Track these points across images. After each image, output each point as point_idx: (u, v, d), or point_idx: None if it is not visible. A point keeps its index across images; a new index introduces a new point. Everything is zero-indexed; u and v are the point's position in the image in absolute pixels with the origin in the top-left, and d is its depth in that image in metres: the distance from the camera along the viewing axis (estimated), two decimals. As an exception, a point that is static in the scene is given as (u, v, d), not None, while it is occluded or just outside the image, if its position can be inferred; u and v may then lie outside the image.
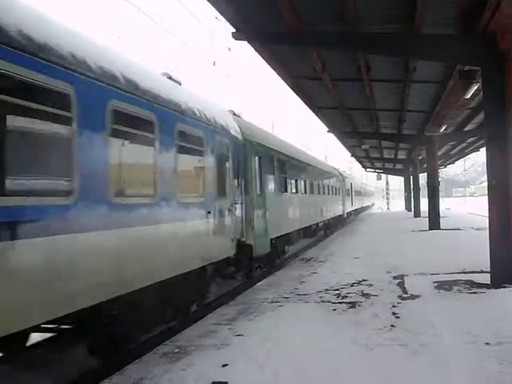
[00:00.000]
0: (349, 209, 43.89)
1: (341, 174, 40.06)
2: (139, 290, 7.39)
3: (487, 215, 11.13)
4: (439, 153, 32.00)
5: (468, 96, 16.01)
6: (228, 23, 12.63)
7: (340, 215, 36.56)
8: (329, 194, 30.92)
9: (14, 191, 5.22)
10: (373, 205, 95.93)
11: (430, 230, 26.71)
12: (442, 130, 24.76)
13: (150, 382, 5.96)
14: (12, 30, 5.30)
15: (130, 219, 7.38)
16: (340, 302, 9.79)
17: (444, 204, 48.33)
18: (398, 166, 56.51)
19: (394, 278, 12.37)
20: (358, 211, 58.03)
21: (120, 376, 6.26)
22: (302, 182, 21.80)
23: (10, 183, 5.15)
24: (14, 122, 5.39)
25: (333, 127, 29.96)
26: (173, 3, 15.39)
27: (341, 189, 37.61)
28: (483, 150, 32.37)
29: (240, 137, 12.90)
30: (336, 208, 34.32)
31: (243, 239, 12.66)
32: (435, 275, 12.37)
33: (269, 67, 16.22)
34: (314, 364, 6.22)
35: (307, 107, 23.69)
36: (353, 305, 9.50)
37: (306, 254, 19.30)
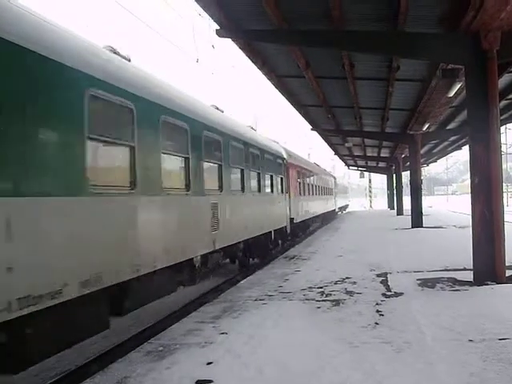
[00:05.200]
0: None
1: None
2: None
3: (469, 213, 11.20)
4: (422, 151, 32.20)
5: (451, 94, 16.11)
6: (212, 20, 12.56)
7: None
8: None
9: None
10: (345, 207, 70.74)
11: (412, 228, 26.87)
12: (424, 129, 24.90)
13: (134, 381, 5.89)
14: None
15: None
16: (324, 300, 9.80)
17: (426, 202, 48.58)
18: (381, 164, 56.76)
19: (378, 275, 12.41)
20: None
21: (103, 375, 6.18)
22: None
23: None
24: None
25: (316, 125, 30.04)
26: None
27: None
28: (466, 149, 32.61)
29: None
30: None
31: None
32: (418, 273, 12.45)
33: (253, 64, 16.20)
34: (298, 362, 6.19)
35: (291, 105, 23.70)
36: (337, 302, 9.51)
37: (290, 251, 19.31)
